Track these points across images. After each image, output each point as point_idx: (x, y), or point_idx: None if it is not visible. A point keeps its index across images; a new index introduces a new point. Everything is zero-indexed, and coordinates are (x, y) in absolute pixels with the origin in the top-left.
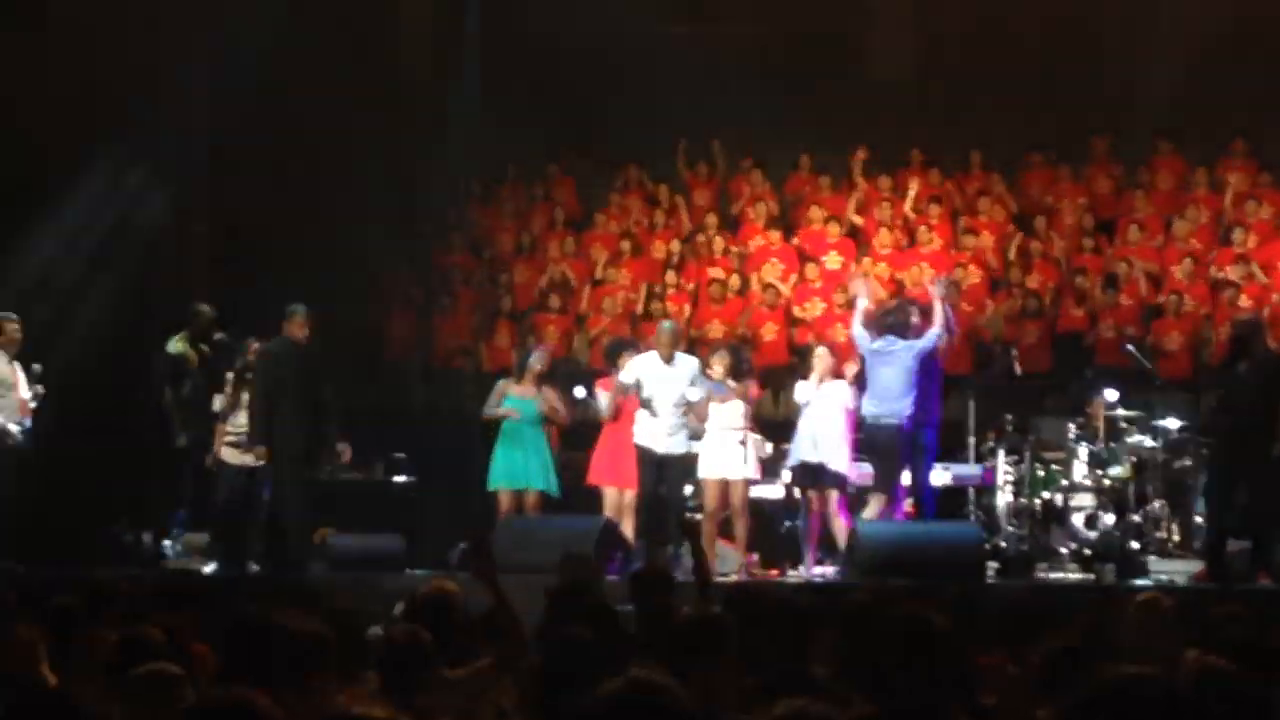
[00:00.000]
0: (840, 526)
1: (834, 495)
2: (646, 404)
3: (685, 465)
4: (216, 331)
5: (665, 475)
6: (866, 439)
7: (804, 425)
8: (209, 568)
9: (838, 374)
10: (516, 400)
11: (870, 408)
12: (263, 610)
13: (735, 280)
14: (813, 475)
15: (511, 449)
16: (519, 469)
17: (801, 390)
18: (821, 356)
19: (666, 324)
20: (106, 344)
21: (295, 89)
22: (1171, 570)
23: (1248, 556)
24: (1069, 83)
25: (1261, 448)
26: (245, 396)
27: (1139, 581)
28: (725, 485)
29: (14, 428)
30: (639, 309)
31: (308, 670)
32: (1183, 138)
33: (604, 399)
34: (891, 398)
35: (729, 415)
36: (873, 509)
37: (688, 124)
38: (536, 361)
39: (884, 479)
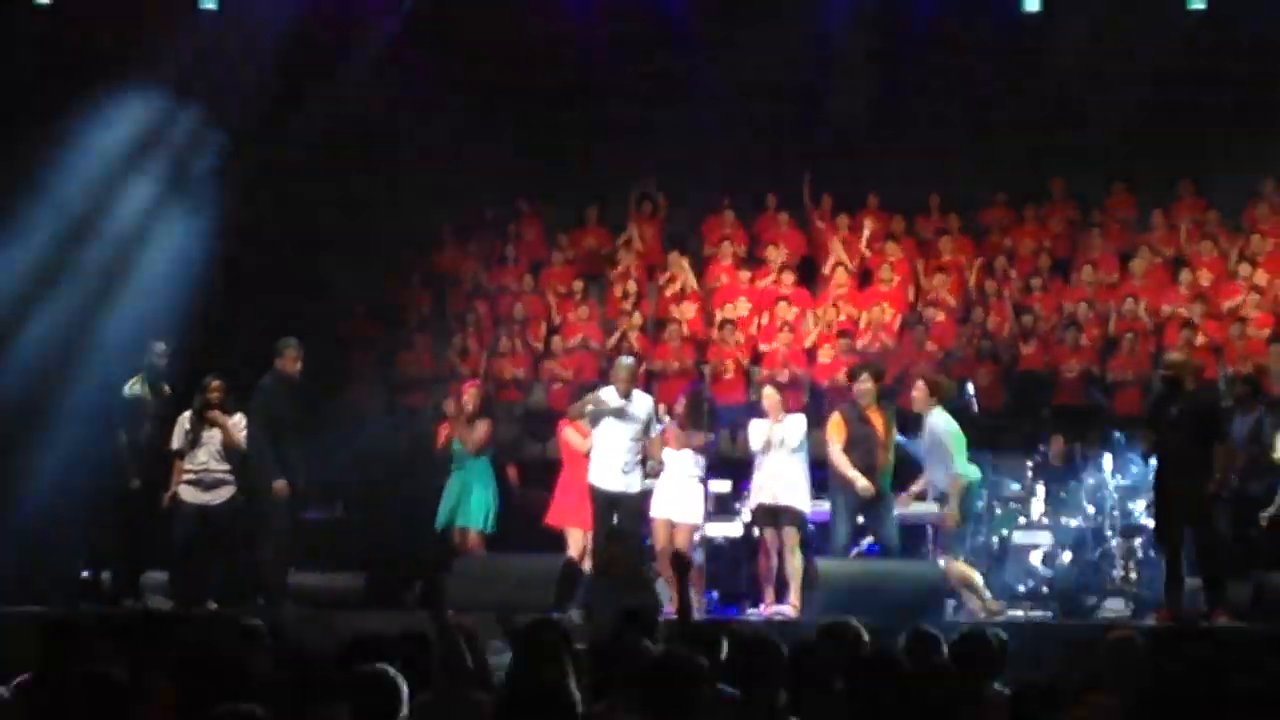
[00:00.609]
0: (795, 566)
1: (791, 534)
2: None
3: (639, 504)
4: (162, 366)
5: (619, 513)
6: None
7: (761, 466)
8: (167, 606)
9: (791, 409)
10: (458, 442)
11: None
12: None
13: (694, 317)
14: (772, 516)
15: (449, 489)
16: (450, 506)
17: (755, 431)
18: (769, 396)
19: (625, 359)
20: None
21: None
22: (1126, 610)
23: (1204, 596)
24: (1025, 125)
25: (1198, 488)
26: (208, 433)
27: (1101, 619)
28: (672, 525)
29: None
30: (600, 347)
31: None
32: (1135, 178)
33: (572, 436)
34: None
35: (684, 462)
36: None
37: (650, 164)
38: (467, 401)
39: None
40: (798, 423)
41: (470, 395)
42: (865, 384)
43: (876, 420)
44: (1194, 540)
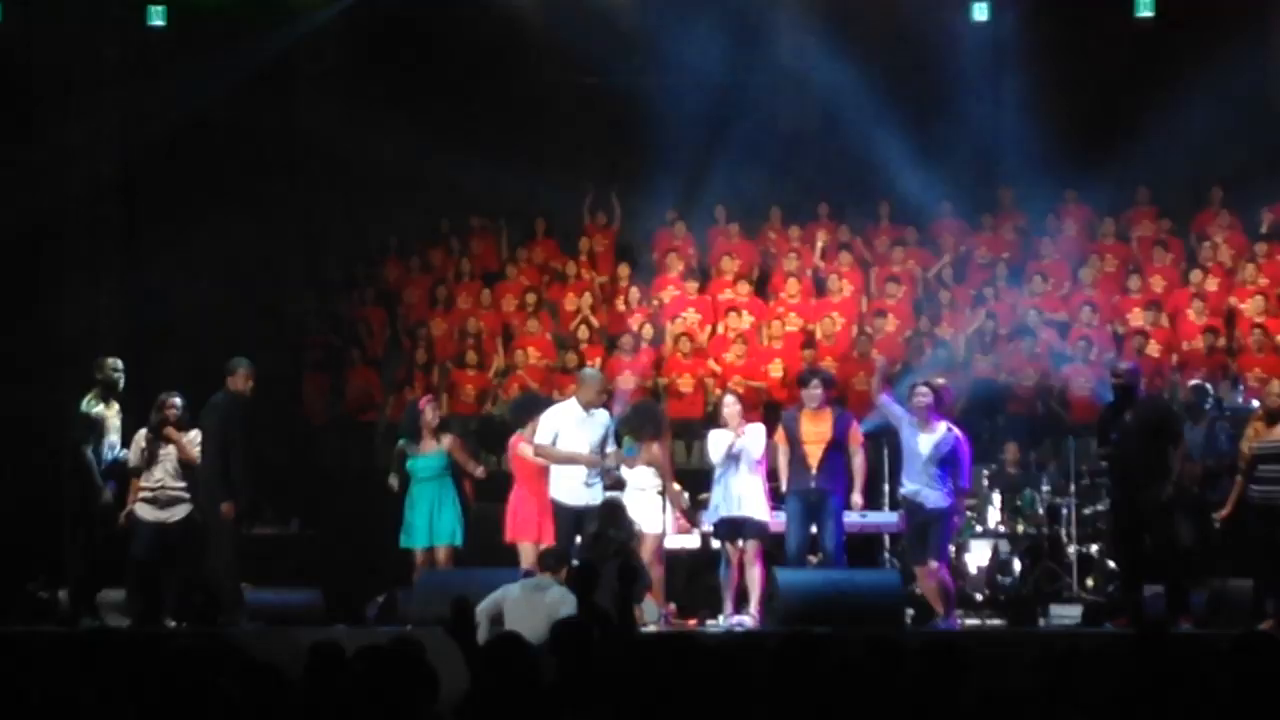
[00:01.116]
0: (755, 577)
1: (753, 545)
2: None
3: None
4: (118, 382)
5: (584, 527)
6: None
7: (720, 478)
8: (124, 624)
9: (749, 420)
10: (415, 460)
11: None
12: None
13: (648, 331)
14: (734, 528)
15: (417, 508)
16: (425, 527)
17: (714, 441)
18: (729, 406)
19: (590, 371)
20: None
21: (212, 133)
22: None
23: (1163, 601)
24: (974, 133)
25: (1155, 492)
26: (164, 451)
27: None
28: (640, 538)
29: None
30: (552, 361)
31: None
32: (1089, 187)
33: (525, 450)
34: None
35: (642, 475)
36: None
37: (601, 177)
38: (429, 415)
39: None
40: (758, 433)
41: (429, 410)
42: (814, 390)
43: (820, 425)
44: (1153, 546)
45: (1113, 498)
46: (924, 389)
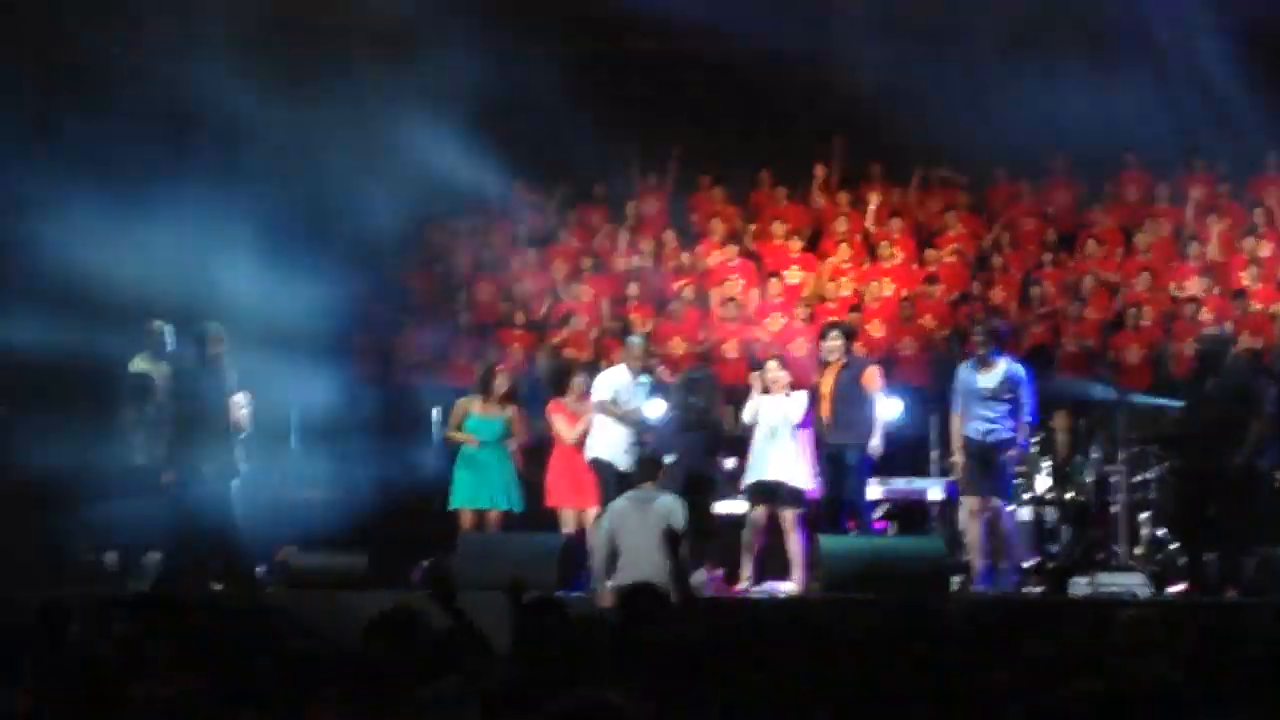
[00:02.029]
0: (793, 544)
1: (790, 513)
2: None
3: None
4: (168, 343)
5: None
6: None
7: (757, 442)
8: (169, 586)
9: (795, 387)
10: (478, 421)
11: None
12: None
13: (691, 294)
14: (768, 493)
15: (473, 469)
16: (482, 489)
17: (749, 407)
18: (771, 370)
19: (636, 338)
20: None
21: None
22: (1132, 584)
23: (1216, 569)
24: (1028, 97)
25: (1230, 461)
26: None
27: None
28: None
29: None
30: (600, 325)
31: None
32: (1145, 151)
33: (560, 424)
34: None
35: None
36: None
37: (648, 140)
38: (501, 383)
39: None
40: (799, 399)
41: (504, 378)
42: (834, 341)
43: (829, 378)
44: (1219, 512)
45: (1182, 463)
46: (979, 332)
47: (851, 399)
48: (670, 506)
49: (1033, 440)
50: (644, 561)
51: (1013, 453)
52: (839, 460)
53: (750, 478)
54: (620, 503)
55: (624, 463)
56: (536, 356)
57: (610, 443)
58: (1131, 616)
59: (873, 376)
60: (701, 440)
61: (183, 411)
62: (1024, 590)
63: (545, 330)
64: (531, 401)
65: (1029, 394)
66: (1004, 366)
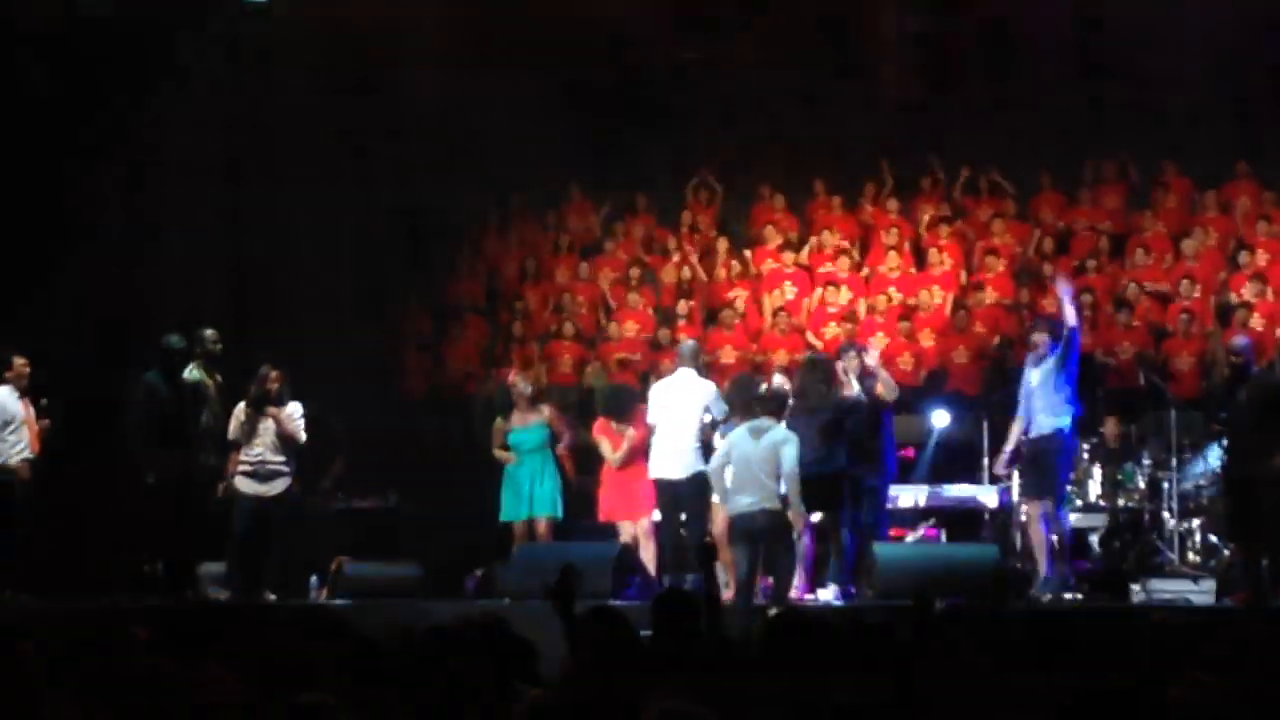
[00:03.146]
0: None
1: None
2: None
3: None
4: (219, 353)
5: (682, 503)
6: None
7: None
8: (223, 596)
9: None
10: (517, 433)
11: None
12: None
13: (742, 305)
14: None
15: (515, 481)
16: (524, 500)
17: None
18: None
19: (688, 344)
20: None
21: (306, 110)
22: (1188, 590)
23: (1270, 575)
24: (1078, 105)
25: (1271, 468)
26: (264, 424)
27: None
28: None
29: (25, 461)
30: (651, 334)
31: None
32: (1189, 159)
33: (606, 447)
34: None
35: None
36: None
37: (700, 150)
38: (521, 387)
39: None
40: None
41: (520, 382)
42: (849, 360)
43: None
44: (1267, 518)
45: (1227, 474)
46: (1036, 332)
47: (873, 426)
48: (785, 438)
49: (1082, 445)
50: (751, 486)
51: (1066, 446)
52: (857, 485)
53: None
54: (740, 431)
55: (676, 473)
56: (586, 370)
57: (664, 458)
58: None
59: (882, 391)
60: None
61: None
62: (1078, 597)
63: (595, 342)
64: (581, 414)
65: (1069, 373)
66: (1051, 360)
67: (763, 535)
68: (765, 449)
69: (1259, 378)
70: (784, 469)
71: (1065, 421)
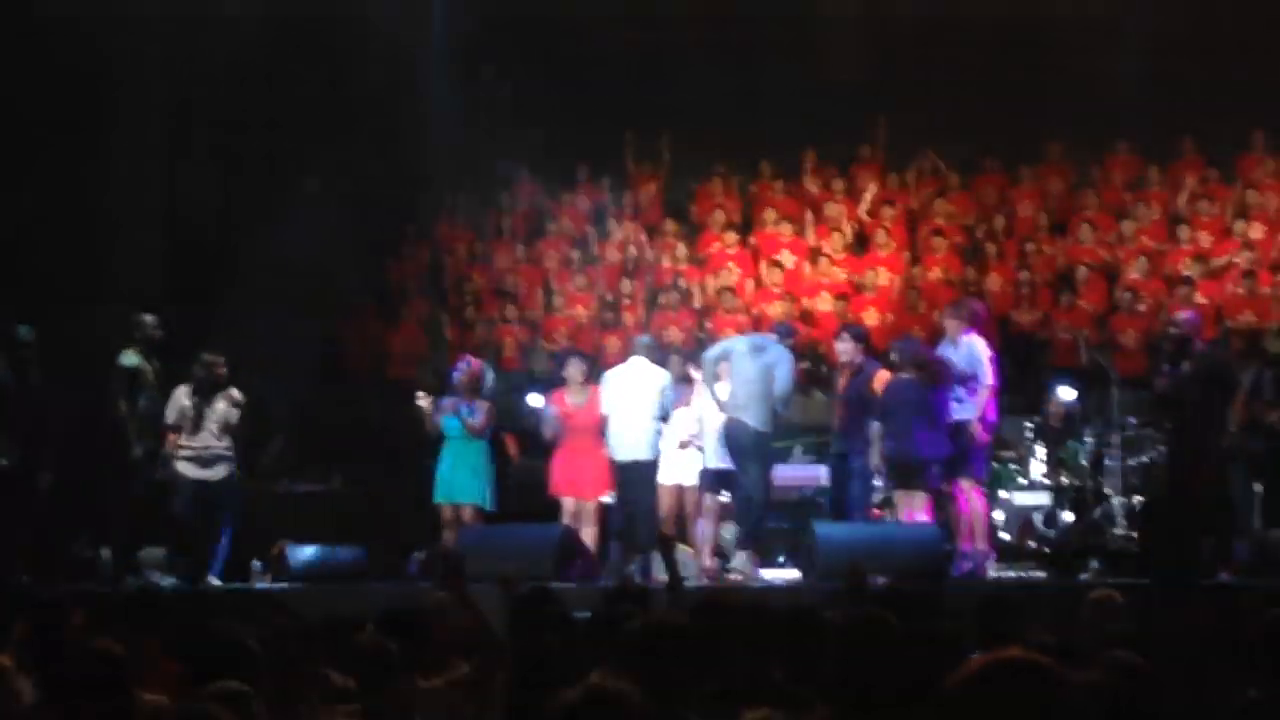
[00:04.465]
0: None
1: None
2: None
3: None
4: (157, 338)
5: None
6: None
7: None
8: (166, 582)
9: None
10: (450, 419)
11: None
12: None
13: (686, 285)
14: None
15: (444, 464)
16: (448, 483)
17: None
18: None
19: (645, 338)
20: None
21: (251, 91)
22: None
23: (1209, 551)
24: (1023, 83)
25: (1212, 444)
26: (209, 410)
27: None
28: (680, 491)
29: None
30: (594, 316)
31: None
32: (1135, 136)
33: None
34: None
35: (684, 423)
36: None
37: (641, 123)
38: (461, 378)
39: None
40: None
41: (463, 373)
42: (843, 343)
43: (840, 381)
44: (1206, 495)
45: (1170, 449)
46: (948, 316)
47: (860, 407)
48: (778, 358)
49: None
50: (744, 399)
51: (975, 435)
52: (839, 467)
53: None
54: (739, 341)
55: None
56: (531, 352)
57: (624, 442)
58: (1097, 598)
59: (883, 381)
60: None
61: None
62: (1027, 575)
63: (538, 324)
64: (527, 395)
65: (983, 369)
66: (966, 346)
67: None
68: (759, 367)
69: (1204, 353)
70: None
71: (967, 413)
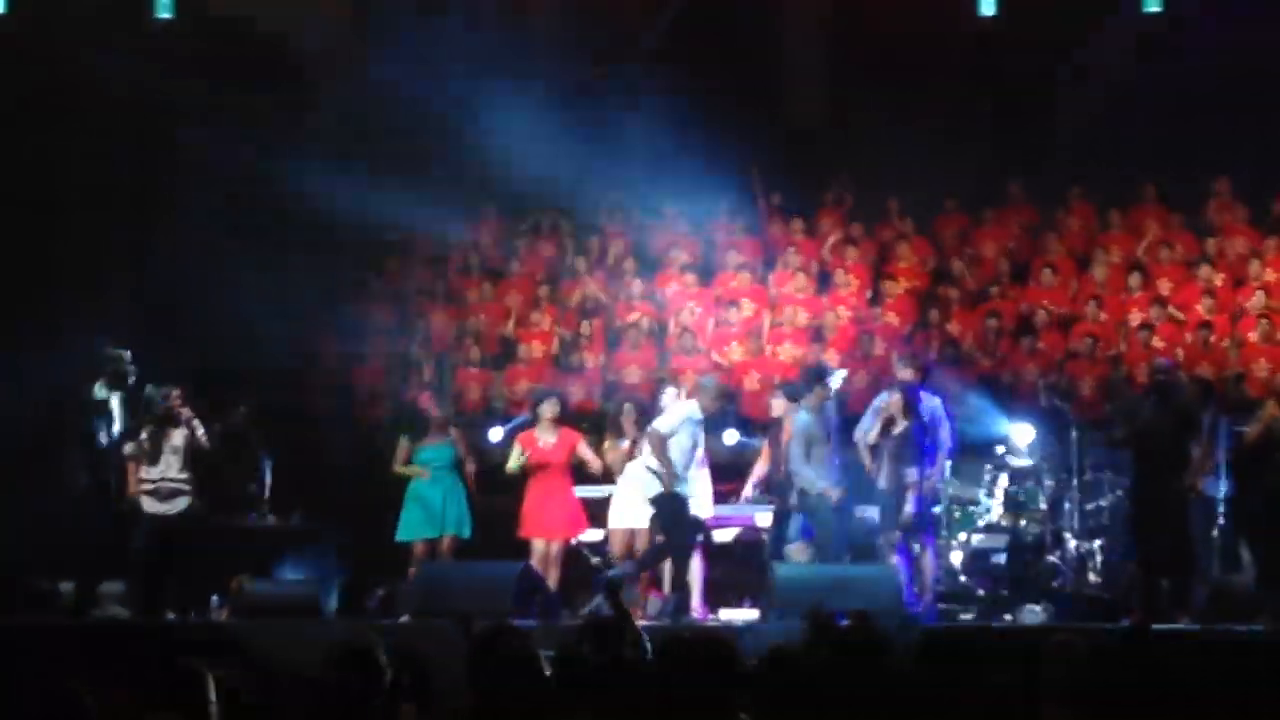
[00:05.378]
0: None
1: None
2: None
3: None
4: (129, 373)
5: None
6: None
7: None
8: (125, 615)
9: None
10: (429, 450)
11: None
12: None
13: (647, 324)
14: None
15: (423, 499)
16: (434, 516)
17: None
18: (670, 397)
19: (708, 379)
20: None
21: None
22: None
23: (1168, 597)
24: (984, 129)
25: (1177, 488)
26: (168, 443)
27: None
28: (632, 535)
29: None
30: (555, 354)
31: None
32: (1096, 182)
33: (515, 454)
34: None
35: (640, 466)
36: None
37: (610, 170)
38: (432, 409)
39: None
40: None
41: (431, 405)
42: (777, 399)
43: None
44: (1170, 539)
45: (1136, 491)
46: (902, 367)
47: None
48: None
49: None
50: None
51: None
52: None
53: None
54: (805, 415)
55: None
56: (491, 392)
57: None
58: (1058, 641)
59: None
60: None
61: None
62: (975, 620)
63: (501, 365)
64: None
65: (942, 432)
66: (929, 408)
67: None
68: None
69: (1176, 398)
70: None
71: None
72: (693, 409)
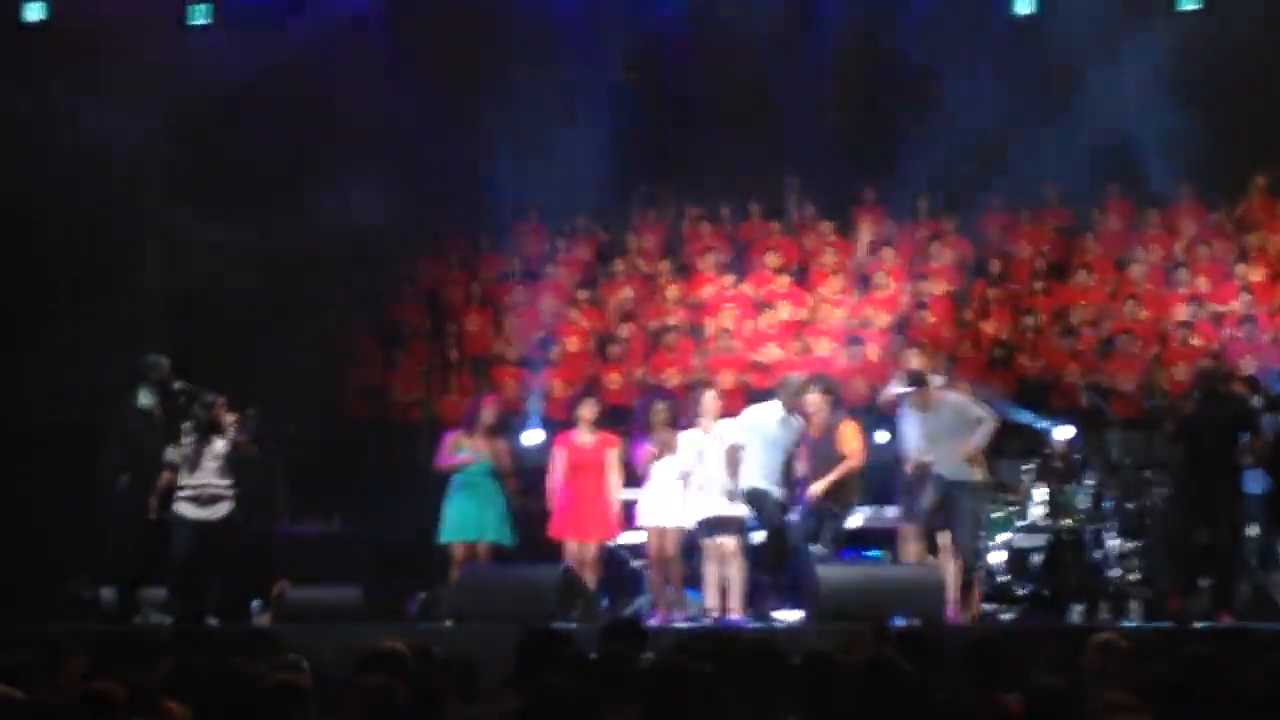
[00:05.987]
0: (736, 574)
1: (731, 542)
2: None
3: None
4: (174, 380)
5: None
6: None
7: (697, 474)
8: (166, 621)
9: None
10: (469, 451)
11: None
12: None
13: (684, 325)
14: (714, 526)
15: (466, 500)
16: (473, 520)
17: (689, 438)
18: (709, 399)
19: (792, 376)
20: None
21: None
22: (1130, 609)
23: (1210, 595)
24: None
25: (1225, 488)
26: (209, 450)
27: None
28: (663, 532)
29: None
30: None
31: None
32: (1134, 181)
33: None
34: None
35: (671, 466)
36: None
37: (641, 170)
38: (487, 414)
39: None
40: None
41: (490, 410)
42: (813, 396)
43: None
44: (1213, 538)
45: (1182, 490)
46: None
47: (828, 458)
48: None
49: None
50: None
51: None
52: (819, 514)
53: (699, 512)
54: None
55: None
56: (530, 392)
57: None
58: (1100, 641)
59: (845, 438)
60: None
61: None
62: (1023, 620)
63: (538, 365)
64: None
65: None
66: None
67: None
68: (949, 415)
69: (1227, 400)
70: None
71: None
72: (761, 414)
